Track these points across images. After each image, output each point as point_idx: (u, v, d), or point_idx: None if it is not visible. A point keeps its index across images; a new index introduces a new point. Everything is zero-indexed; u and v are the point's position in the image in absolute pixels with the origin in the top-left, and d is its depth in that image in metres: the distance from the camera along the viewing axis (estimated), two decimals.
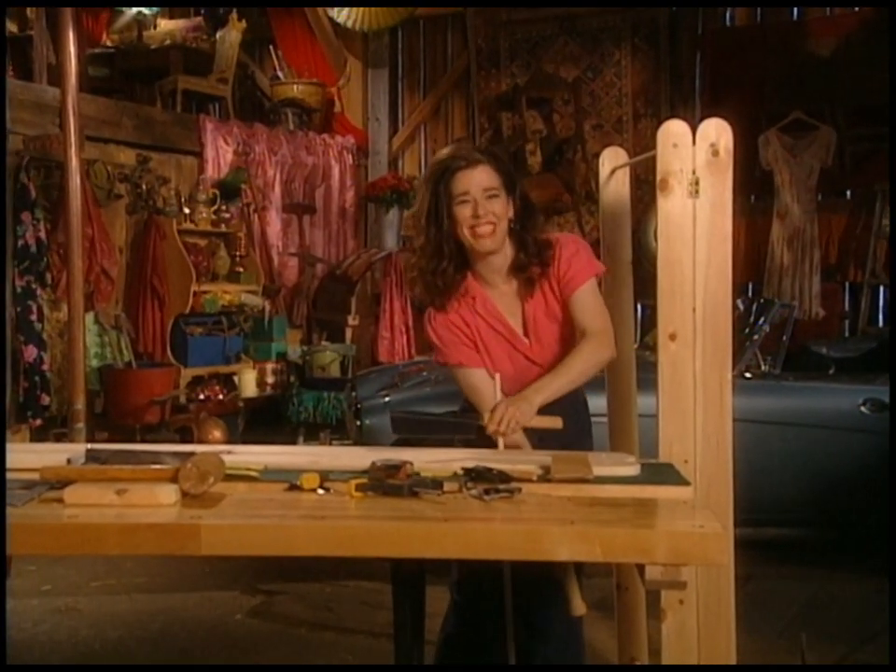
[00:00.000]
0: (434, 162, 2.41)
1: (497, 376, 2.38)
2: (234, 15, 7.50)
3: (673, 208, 2.26)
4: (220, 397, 6.49)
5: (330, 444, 5.59)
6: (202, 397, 6.39)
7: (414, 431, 2.14)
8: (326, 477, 1.89)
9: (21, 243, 5.41)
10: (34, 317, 5.47)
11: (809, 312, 6.52)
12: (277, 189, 7.45)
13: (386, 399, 4.37)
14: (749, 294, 6.69)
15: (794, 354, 4.73)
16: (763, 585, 3.85)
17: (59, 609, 3.79)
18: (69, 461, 1.96)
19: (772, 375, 4.32)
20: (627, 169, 2.80)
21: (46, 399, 5.51)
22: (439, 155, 2.41)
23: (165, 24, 7.98)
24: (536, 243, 2.40)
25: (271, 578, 4.05)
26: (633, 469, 2.02)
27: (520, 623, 2.39)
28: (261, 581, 4.05)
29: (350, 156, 8.14)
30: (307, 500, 1.82)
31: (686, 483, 1.99)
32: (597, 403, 2.69)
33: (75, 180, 4.58)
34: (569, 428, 2.33)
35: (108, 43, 7.78)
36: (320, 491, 1.85)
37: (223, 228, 6.77)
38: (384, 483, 1.85)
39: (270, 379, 6.85)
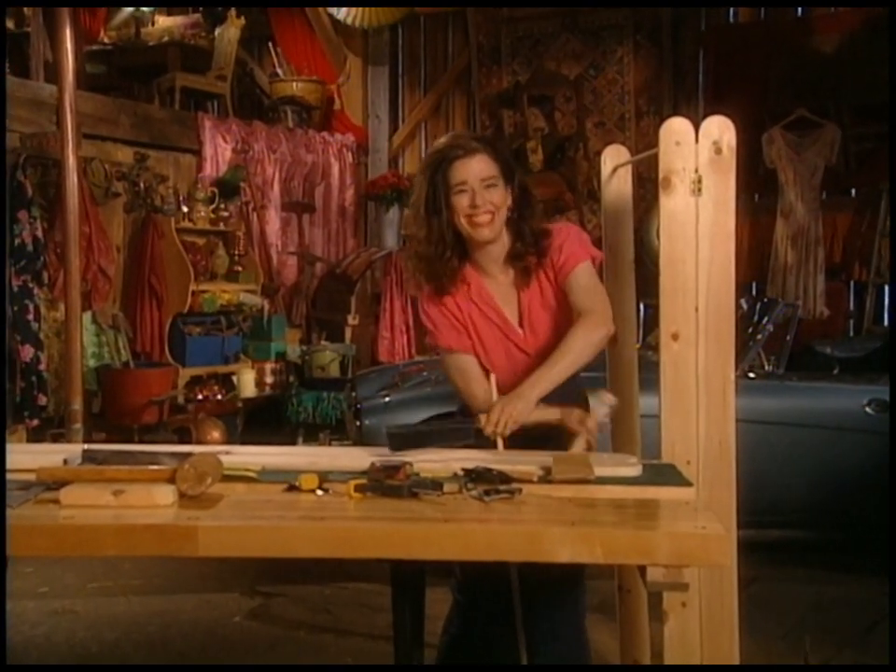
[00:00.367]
0: (432, 152, 2.38)
1: (493, 377, 2.35)
2: (233, 12, 7.47)
3: (676, 206, 2.25)
4: (219, 397, 6.48)
5: (330, 445, 5.57)
6: (200, 397, 6.37)
7: (413, 445, 2.13)
8: (325, 478, 1.89)
9: (17, 241, 5.39)
10: (30, 317, 5.45)
11: (813, 311, 6.47)
12: (276, 187, 7.43)
13: (386, 399, 4.35)
14: (753, 293, 6.65)
15: (798, 354, 4.72)
16: (766, 587, 3.83)
17: (56, 612, 3.77)
18: (66, 462, 1.96)
19: (776, 375, 4.30)
20: (629, 167, 2.79)
21: (42, 400, 5.49)
22: (436, 144, 2.38)
23: (163, 21, 7.92)
24: (533, 232, 2.37)
25: (269, 580, 4.04)
26: (635, 470, 2.01)
27: (525, 624, 2.36)
28: (260, 583, 4.03)
29: (350, 154, 8.12)
30: (306, 501, 1.81)
31: (688, 483, 1.98)
32: None
33: (72, 178, 4.56)
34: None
35: (106, 40, 7.73)
36: (319, 492, 1.84)
37: (222, 226, 6.76)
38: (383, 483, 1.84)
39: (269, 379, 6.83)
